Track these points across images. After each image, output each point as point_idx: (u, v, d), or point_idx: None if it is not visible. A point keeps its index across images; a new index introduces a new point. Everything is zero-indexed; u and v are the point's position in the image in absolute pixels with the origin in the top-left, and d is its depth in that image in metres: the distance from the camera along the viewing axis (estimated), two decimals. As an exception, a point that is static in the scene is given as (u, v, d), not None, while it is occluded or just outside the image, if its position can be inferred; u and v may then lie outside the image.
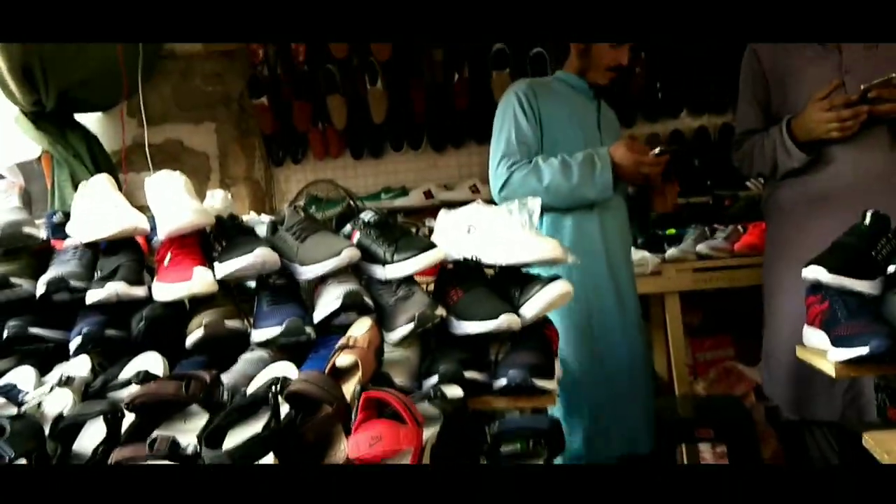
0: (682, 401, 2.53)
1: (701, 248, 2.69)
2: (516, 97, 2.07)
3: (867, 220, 1.44)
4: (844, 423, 1.78)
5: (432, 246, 1.48)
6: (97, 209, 1.60)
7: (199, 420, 1.18)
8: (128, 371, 1.34)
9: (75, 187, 3.14)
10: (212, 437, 1.10)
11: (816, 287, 1.44)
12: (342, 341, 1.29)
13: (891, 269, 1.35)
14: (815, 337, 1.41)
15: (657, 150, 1.98)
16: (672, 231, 2.90)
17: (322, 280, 1.49)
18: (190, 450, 1.10)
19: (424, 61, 3.51)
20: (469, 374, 1.31)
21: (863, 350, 1.23)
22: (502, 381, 1.30)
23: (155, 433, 1.13)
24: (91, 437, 1.19)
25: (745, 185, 3.14)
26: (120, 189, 1.72)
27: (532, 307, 1.41)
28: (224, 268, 1.46)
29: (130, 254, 1.56)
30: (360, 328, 1.32)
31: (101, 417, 1.19)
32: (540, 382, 1.29)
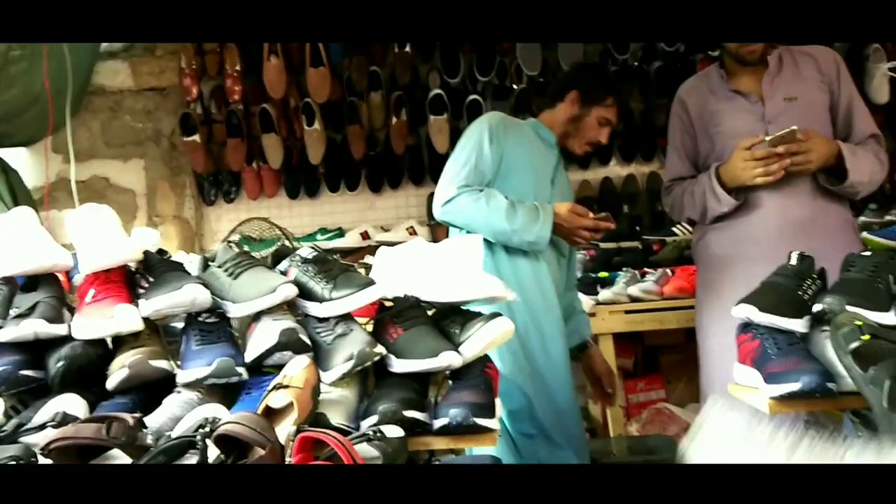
0: (616, 442, 2.55)
1: (632, 290, 2.75)
2: (488, 127, 2.07)
3: (793, 261, 1.50)
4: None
5: (371, 283, 1.46)
6: (16, 243, 1.51)
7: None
8: (44, 414, 1.25)
9: (-9, 223, 3.00)
10: (134, 482, 1.02)
11: (747, 325, 1.47)
12: (276, 380, 1.24)
13: (816, 307, 1.40)
14: (746, 374, 1.44)
15: (602, 215, 2.03)
16: (605, 274, 2.96)
17: (256, 318, 1.44)
18: (110, 497, 1.02)
19: (363, 104, 3.52)
20: (409, 414, 1.27)
21: (795, 386, 1.26)
22: (443, 421, 1.27)
23: (71, 480, 1.05)
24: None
25: (673, 231, 3.25)
26: (40, 226, 1.63)
27: (473, 345, 1.39)
28: (151, 305, 1.39)
29: (50, 290, 1.47)
30: (296, 367, 1.28)
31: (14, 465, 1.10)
32: (481, 421, 1.27)
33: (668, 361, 3.14)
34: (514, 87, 3.51)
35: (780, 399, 1.31)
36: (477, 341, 1.39)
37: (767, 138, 1.90)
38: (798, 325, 1.40)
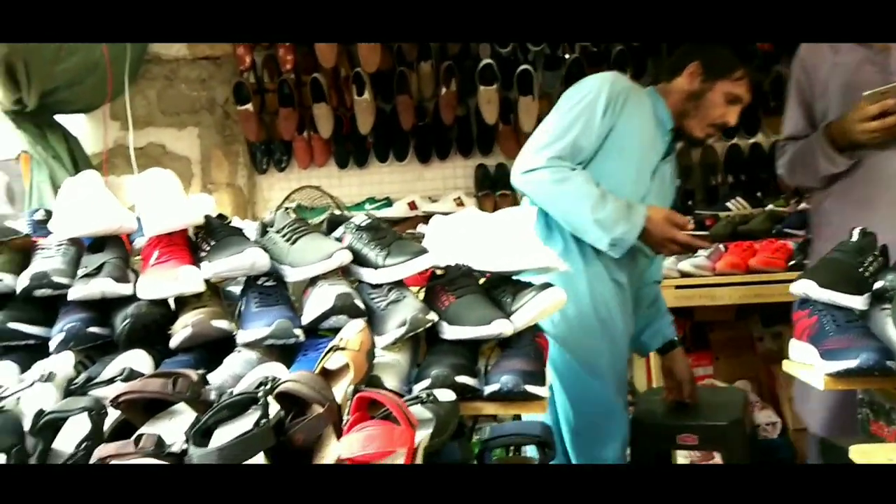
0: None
1: (684, 265, 2.72)
2: (607, 92, 1.78)
3: (855, 237, 1.46)
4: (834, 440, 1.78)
5: (424, 251, 1.48)
6: (83, 205, 1.56)
7: (186, 419, 1.15)
8: (112, 368, 1.30)
9: (54, 188, 3.11)
10: (200, 434, 1.07)
11: (804, 302, 1.45)
12: (333, 343, 1.28)
13: (877, 285, 1.37)
14: (802, 351, 1.43)
15: (698, 233, 1.84)
16: (655, 249, 2.92)
17: (312, 282, 1.48)
18: (176, 447, 1.07)
19: (413, 74, 3.52)
20: (461, 379, 1.30)
21: (852, 363, 1.25)
22: (494, 387, 1.29)
23: (140, 430, 1.10)
24: (73, 434, 1.16)
25: (727, 207, 3.19)
26: (100, 191, 1.69)
27: (524, 314, 1.40)
28: (213, 267, 1.44)
29: (116, 251, 1.52)
30: (352, 330, 1.31)
31: (85, 414, 1.15)
32: (532, 389, 1.28)
33: (718, 338, 3.11)
34: (567, 56, 3.46)
35: (836, 376, 1.29)
36: (529, 310, 1.41)
37: (867, 93, 1.72)
38: (857, 301, 1.37)
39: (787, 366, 1.52)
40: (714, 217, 3.16)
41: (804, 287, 1.40)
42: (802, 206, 3.30)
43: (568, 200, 1.74)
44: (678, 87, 1.88)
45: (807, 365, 1.41)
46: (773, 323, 3.04)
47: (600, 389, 1.86)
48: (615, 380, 1.91)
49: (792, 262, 2.64)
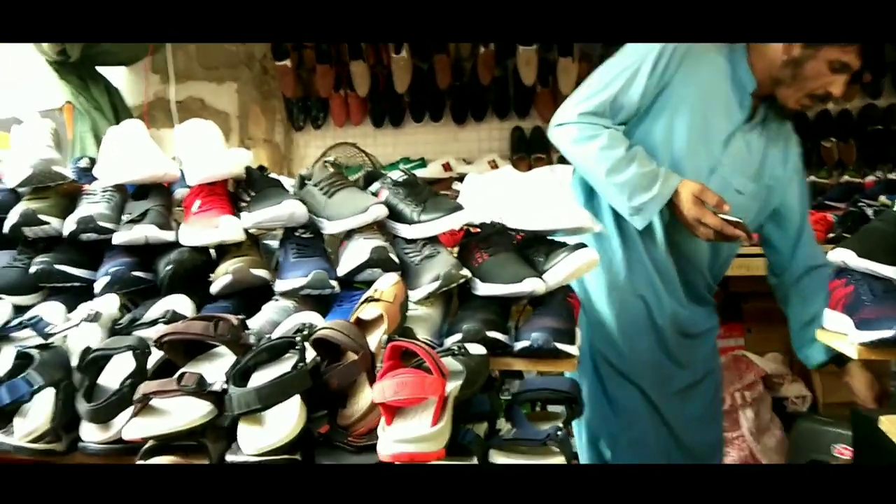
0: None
1: (718, 234, 2.68)
2: (660, 53, 1.63)
3: (897, 207, 1.44)
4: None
5: (459, 208, 1.49)
6: (128, 153, 1.60)
7: (226, 361, 1.20)
8: (155, 311, 1.35)
9: (96, 139, 3.17)
10: (240, 375, 1.11)
11: (841, 271, 1.44)
12: (368, 294, 1.30)
13: (917, 256, 1.35)
14: (836, 320, 1.41)
15: (733, 219, 1.54)
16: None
17: (348, 236, 1.50)
18: (217, 387, 1.11)
19: (451, 33, 3.49)
20: (491, 334, 1.32)
21: (887, 333, 1.23)
22: (524, 343, 1.31)
23: (182, 369, 1.15)
24: (118, 371, 1.21)
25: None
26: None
27: (556, 273, 1.41)
28: (253, 217, 1.47)
29: (159, 198, 1.57)
30: (386, 282, 1.33)
31: (129, 352, 1.20)
32: (562, 346, 1.30)
33: (751, 309, 3.07)
34: (608, 19, 3.39)
35: (871, 345, 1.28)
36: (561, 270, 1.41)
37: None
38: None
39: (820, 335, 1.51)
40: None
41: (842, 255, 1.38)
42: (844, 178, 3.24)
43: (588, 159, 1.62)
44: (773, 51, 1.63)
45: (841, 335, 1.40)
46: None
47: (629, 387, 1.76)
48: (651, 376, 1.75)
49: (831, 235, 2.60)
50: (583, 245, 1.44)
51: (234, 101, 3.75)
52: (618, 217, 1.70)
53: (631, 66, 1.64)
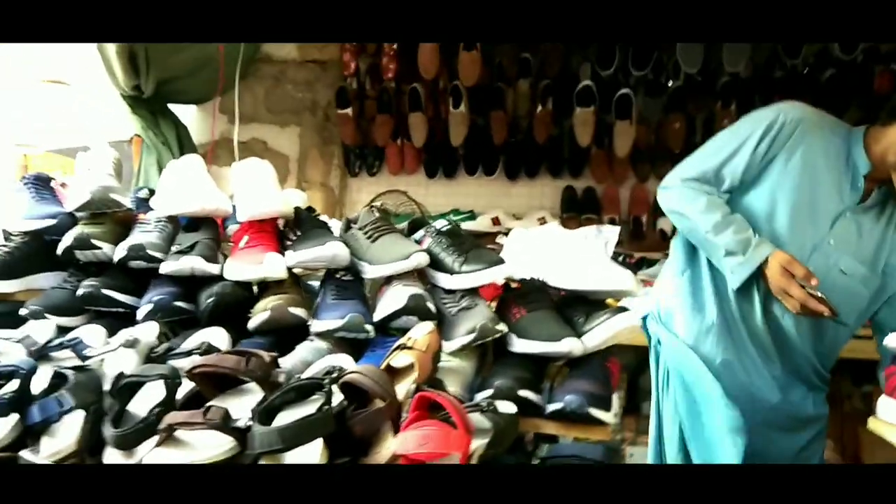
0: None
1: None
2: (768, 127, 1.66)
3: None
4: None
5: (501, 261, 1.47)
6: (184, 186, 1.65)
7: (254, 397, 1.19)
8: (192, 342, 1.37)
9: (160, 172, 3.29)
10: (265, 413, 1.10)
11: (898, 357, 1.37)
12: (401, 341, 1.29)
13: (984, 347, 1.28)
14: (893, 409, 1.34)
15: (818, 294, 1.54)
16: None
17: (388, 281, 1.50)
18: (241, 423, 1.11)
19: (510, 90, 3.54)
20: (523, 393, 1.28)
21: (947, 425, 1.16)
22: (557, 405, 1.27)
23: (210, 402, 1.15)
24: (148, 398, 1.22)
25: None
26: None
27: (596, 336, 1.38)
28: (296, 256, 1.49)
29: (209, 232, 1.60)
30: (421, 331, 1.32)
31: (161, 381, 1.21)
32: (596, 412, 1.26)
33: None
34: (670, 83, 3.39)
35: (929, 439, 1.20)
36: (600, 332, 1.38)
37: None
38: (960, 362, 1.27)
39: (873, 424, 1.42)
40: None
41: (900, 341, 1.32)
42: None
43: (687, 221, 1.69)
44: (891, 135, 1.59)
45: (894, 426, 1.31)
46: (863, 381, 2.85)
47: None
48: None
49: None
50: (624, 308, 1.41)
51: (296, 144, 3.86)
52: (715, 279, 1.75)
53: (738, 138, 1.69)
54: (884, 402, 1.39)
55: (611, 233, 1.53)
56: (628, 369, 3.08)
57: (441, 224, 1.57)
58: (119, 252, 1.52)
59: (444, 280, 1.50)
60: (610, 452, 1.24)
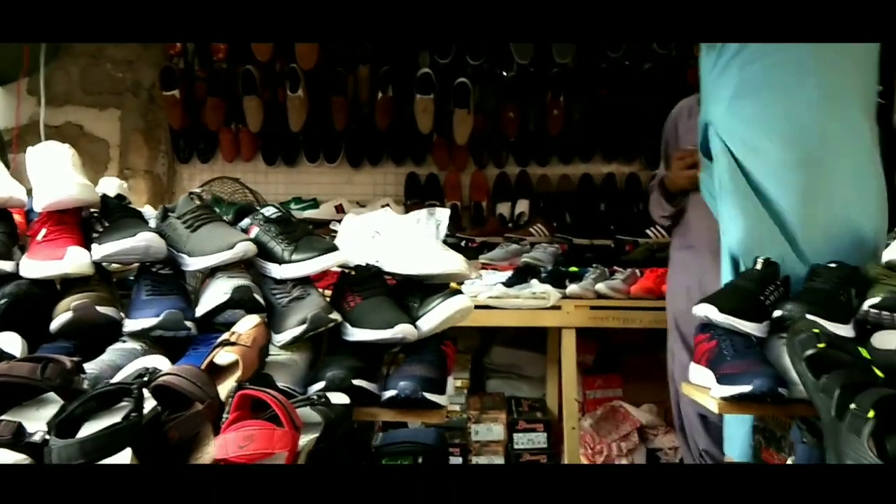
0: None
1: (600, 287, 2.74)
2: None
3: (758, 266, 1.49)
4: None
5: (334, 248, 1.43)
6: (-32, 174, 1.45)
7: (54, 408, 1.07)
8: (-23, 350, 1.20)
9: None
10: (64, 425, 0.99)
11: (706, 326, 1.47)
12: (224, 336, 1.21)
13: (776, 313, 1.40)
14: (700, 374, 1.44)
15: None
16: (574, 269, 2.95)
17: (211, 274, 1.41)
18: (37, 437, 0.99)
19: (349, 76, 3.47)
20: (358, 382, 1.25)
21: (746, 388, 1.26)
22: (391, 392, 1.25)
23: (1, 417, 1.01)
24: (-78, 417, 1.05)
25: (647, 234, 3.26)
26: (8, 168, 1.57)
27: (430, 320, 1.37)
28: (103, 249, 1.35)
29: (2, 226, 1.42)
30: (246, 325, 1.25)
31: (-62, 396, 1.05)
32: (431, 396, 1.25)
33: (629, 361, 3.15)
34: (504, 73, 3.48)
35: (731, 400, 1.30)
36: (434, 316, 1.37)
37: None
38: (756, 328, 1.39)
39: (685, 389, 1.53)
40: (634, 243, 3.22)
41: (705, 311, 1.41)
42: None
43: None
44: None
45: (704, 389, 1.42)
46: (684, 350, 3.11)
47: None
48: None
49: (705, 291, 2.71)
50: (458, 291, 1.41)
51: (116, 129, 3.57)
52: None
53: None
54: (693, 368, 1.50)
55: (442, 215, 1.53)
56: (472, 350, 3.15)
57: (270, 211, 1.49)
58: None
59: (273, 270, 1.43)
60: (442, 435, 1.24)
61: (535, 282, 2.74)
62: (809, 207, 1.63)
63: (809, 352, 1.22)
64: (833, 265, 1.49)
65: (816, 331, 1.27)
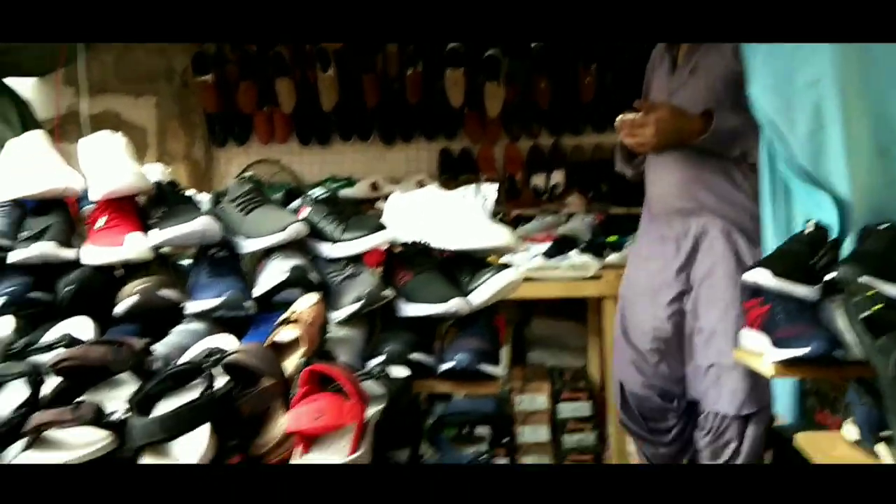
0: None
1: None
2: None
3: (809, 230, 1.48)
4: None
5: (382, 227, 1.45)
6: (28, 166, 1.50)
7: (128, 388, 1.11)
8: (53, 334, 1.25)
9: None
10: (142, 403, 1.03)
11: (756, 291, 1.47)
12: (285, 315, 1.25)
13: (828, 277, 1.39)
14: (753, 339, 1.44)
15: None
16: (613, 238, 2.94)
17: (266, 255, 1.44)
18: (117, 416, 1.03)
19: (378, 52, 3.47)
20: (415, 356, 1.28)
21: (803, 350, 1.26)
22: (448, 364, 1.28)
23: (81, 397, 1.06)
24: (9, 399, 1.11)
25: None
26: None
27: (481, 293, 1.39)
28: (161, 235, 1.39)
29: (61, 215, 1.47)
30: (305, 303, 1.28)
31: (23, 379, 1.10)
32: (486, 367, 1.27)
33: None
34: (533, 45, 3.45)
35: (787, 363, 1.31)
36: (486, 290, 1.39)
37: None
38: (809, 291, 1.39)
39: (738, 356, 1.54)
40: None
41: (758, 275, 1.41)
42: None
43: None
44: None
45: (758, 354, 1.42)
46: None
47: None
48: None
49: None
50: (507, 265, 1.43)
51: (153, 115, 3.61)
52: None
53: None
54: (745, 334, 1.50)
55: (489, 190, 1.54)
56: (513, 323, 3.17)
57: (318, 192, 1.52)
58: (-42, 243, 1.37)
59: (326, 249, 1.46)
60: (502, 404, 1.26)
61: (573, 252, 2.74)
62: None
63: (866, 313, 1.22)
64: (884, 226, 1.48)
65: (872, 292, 1.26)
